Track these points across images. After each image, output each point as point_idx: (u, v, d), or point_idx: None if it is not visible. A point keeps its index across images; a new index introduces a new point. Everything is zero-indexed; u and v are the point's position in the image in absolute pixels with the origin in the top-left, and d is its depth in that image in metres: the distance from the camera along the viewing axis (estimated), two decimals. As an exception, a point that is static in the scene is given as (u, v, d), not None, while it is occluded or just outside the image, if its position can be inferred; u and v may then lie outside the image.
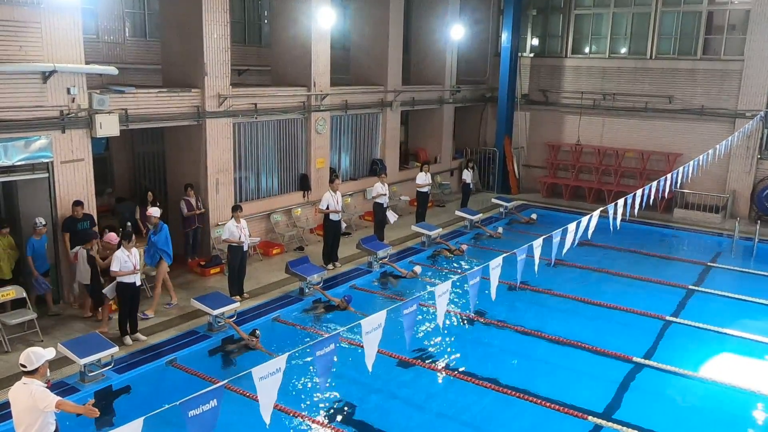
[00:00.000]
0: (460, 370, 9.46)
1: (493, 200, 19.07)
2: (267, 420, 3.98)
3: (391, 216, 15.24)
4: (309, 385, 8.81)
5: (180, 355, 9.51)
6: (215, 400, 3.38)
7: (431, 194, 17.71)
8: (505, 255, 6.33)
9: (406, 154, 20.71)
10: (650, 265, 14.65)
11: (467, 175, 18.76)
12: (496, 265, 5.83)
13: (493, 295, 6.12)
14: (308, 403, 8.33)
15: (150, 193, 12.77)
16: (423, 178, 16.72)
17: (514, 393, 8.72)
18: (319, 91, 15.53)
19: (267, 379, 3.82)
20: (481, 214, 17.58)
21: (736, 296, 12.89)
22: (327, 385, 4.69)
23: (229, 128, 13.55)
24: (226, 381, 3.65)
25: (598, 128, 20.91)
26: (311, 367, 8.68)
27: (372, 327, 4.58)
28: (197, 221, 13.15)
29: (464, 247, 14.96)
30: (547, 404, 8.49)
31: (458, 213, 17.49)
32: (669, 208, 19.05)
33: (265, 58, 17.20)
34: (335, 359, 4.36)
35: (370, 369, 4.88)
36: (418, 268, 13.33)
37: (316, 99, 15.55)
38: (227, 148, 13.55)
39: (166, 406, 3.65)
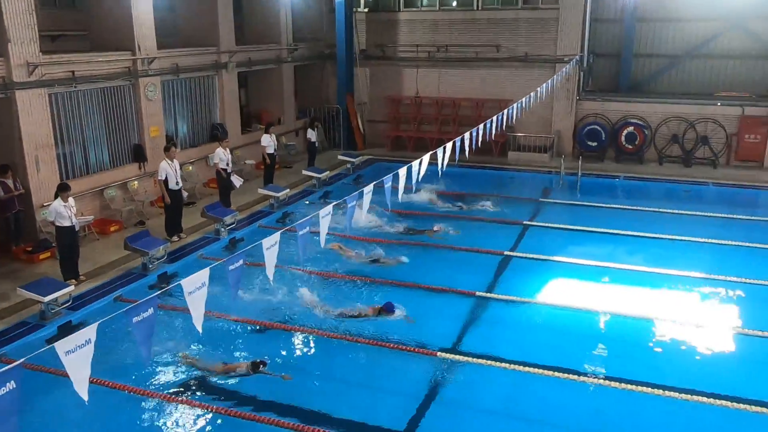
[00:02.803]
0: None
1: (340, 157, 19.20)
2: (84, 396, 3.77)
3: (236, 181, 14.86)
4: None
5: (9, 349, 8.76)
6: (13, 382, 3.12)
7: (277, 156, 17.47)
8: (334, 203, 6.42)
9: (248, 117, 20.17)
10: (490, 205, 15.56)
11: (312, 135, 18.69)
12: (325, 213, 5.89)
13: (322, 243, 6.22)
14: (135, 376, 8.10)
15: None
16: (267, 140, 16.43)
17: (354, 339, 9.00)
18: (145, 54, 14.59)
19: (75, 353, 3.60)
20: (328, 172, 17.65)
21: (565, 227, 14.10)
22: (152, 355, 4.53)
23: (45, 99, 12.38)
24: (23, 359, 3.37)
25: (434, 80, 21.59)
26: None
27: (195, 287, 4.46)
28: (17, 204, 12.01)
29: (437, 228, 13.63)
30: (398, 347, 8.85)
31: (305, 172, 17.44)
32: (504, 152, 20.29)
33: (83, 22, 15.81)
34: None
35: (199, 330, 4.77)
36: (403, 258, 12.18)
37: (143, 63, 14.62)
38: (45, 121, 12.39)
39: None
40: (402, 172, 7.46)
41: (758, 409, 7.40)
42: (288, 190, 15.67)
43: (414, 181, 8.12)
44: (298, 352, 9.08)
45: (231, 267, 4.90)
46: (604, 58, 21.79)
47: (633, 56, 21.32)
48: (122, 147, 14.65)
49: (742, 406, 7.45)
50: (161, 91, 15.37)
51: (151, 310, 4.03)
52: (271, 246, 5.09)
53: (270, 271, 5.13)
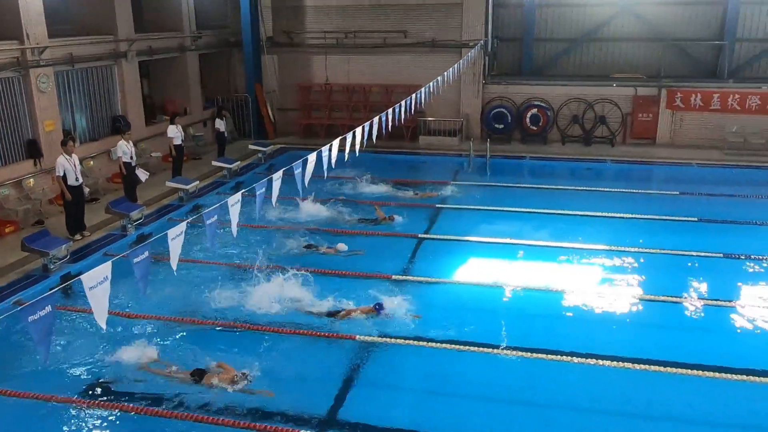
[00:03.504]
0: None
1: (251, 147, 18.85)
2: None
3: (142, 174, 14.31)
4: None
5: None
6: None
7: (185, 147, 16.95)
8: (243, 192, 6.30)
9: (152, 108, 19.42)
10: (405, 190, 15.76)
11: (220, 124, 18.25)
12: (234, 201, 5.77)
13: (234, 232, 6.09)
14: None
15: None
16: (174, 132, 15.91)
17: (287, 331, 8.95)
18: (35, 43, 13.73)
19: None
20: (239, 162, 17.31)
21: (476, 207, 14.50)
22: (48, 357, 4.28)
23: None
24: None
25: (344, 67, 21.53)
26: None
27: (96, 281, 4.26)
28: None
29: (395, 217, 13.31)
30: (313, 333, 8.85)
31: (215, 163, 17.03)
32: (415, 137, 20.56)
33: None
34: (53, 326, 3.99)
35: (103, 327, 4.58)
36: (342, 245, 11.91)
37: (33, 53, 13.75)
38: None
39: None
40: (311, 158, 7.42)
41: (669, 369, 7.91)
42: (198, 182, 15.26)
43: (326, 167, 8.10)
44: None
45: (136, 259, 4.71)
46: (507, 43, 22.42)
47: (534, 40, 22.05)
48: (14, 143, 13.75)
49: (646, 367, 7.94)
50: (55, 82, 14.51)
51: (48, 308, 3.83)
52: (176, 236, 4.95)
53: (174, 261, 4.98)
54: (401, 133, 20.50)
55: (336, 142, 8.20)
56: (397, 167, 18.22)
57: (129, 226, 12.68)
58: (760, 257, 11.42)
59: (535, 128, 20.02)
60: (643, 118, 19.62)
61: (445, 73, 14.28)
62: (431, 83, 13.01)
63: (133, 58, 17.20)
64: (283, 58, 21.96)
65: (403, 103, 11.08)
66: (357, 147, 8.93)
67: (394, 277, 10.69)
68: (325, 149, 7.80)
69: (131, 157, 13.89)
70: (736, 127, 18.85)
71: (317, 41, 21.52)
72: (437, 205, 14.61)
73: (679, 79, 20.05)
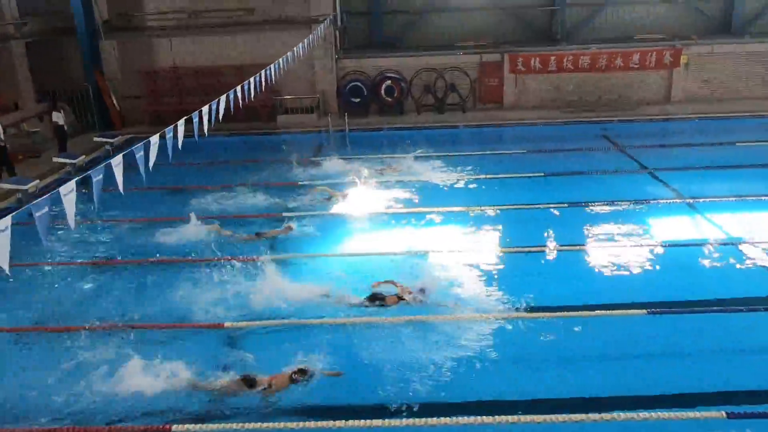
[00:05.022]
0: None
1: (96, 139, 17.67)
2: None
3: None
4: None
5: None
6: None
7: (20, 145, 15.56)
8: (78, 178, 5.88)
9: (-26, 105, 17.62)
10: (265, 170, 15.53)
11: (58, 117, 16.90)
12: (67, 191, 5.37)
13: (72, 226, 5.66)
14: None
15: None
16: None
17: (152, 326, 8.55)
18: None
19: None
20: (84, 156, 16.18)
21: (339, 181, 14.57)
22: None
23: None
24: None
25: (191, 49, 20.63)
26: None
27: None
28: None
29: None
30: (187, 325, 8.54)
31: (57, 159, 15.78)
32: (272, 116, 20.22)
33: None
34: None
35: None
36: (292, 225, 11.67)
37: None
38: None
39: None
40: (154, 140, 7.06)
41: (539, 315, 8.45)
42: (37, 181, 14.08)
43: (171, 150, 7.74)
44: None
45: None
46: (357, 17, 22.54)
47: (383, 13, 22.35)
48: None
49: (517, 314, 8.46)
50: None
51: None
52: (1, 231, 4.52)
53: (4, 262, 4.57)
54: (257, 115, 20.13)
55: (181, 124, 7.87)
56: (256, 148, 17.90)
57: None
58: (600, 203, 12.48)
59: (390, 99, 20.38)
60: (489, 84, 20.57)
61: (295, 49, 14.10)
62: (280, 60, 12.81)
63: (-55, 50, 15.45)
64: (123, 43, 20.63)
65: (252, 80, 10.80)
66: (206, 128, 8.61)
67: (261, 258, 10.51)
68: (169, 132, 7.45)
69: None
70: (572, 86, 20.34)
71: (159, 23, 20.44)
72: (300, 183, 14.54)
73: (519, 44, 21.19)
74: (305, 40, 15.11)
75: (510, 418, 6.52)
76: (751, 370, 7.35)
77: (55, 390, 7.14)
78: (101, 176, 5.93)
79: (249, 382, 7.00)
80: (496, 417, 6.51)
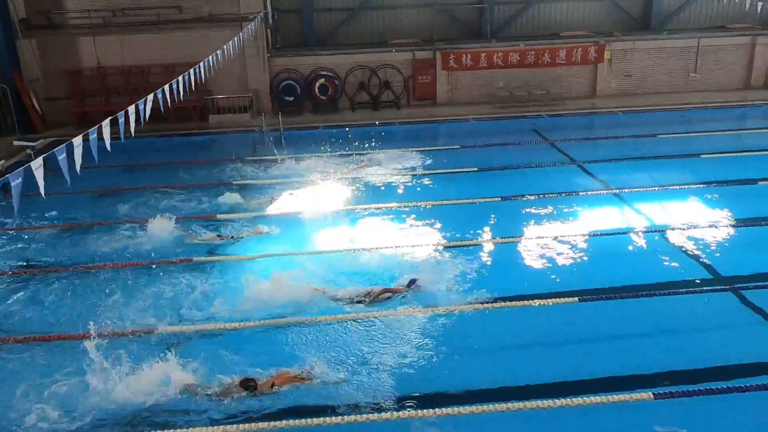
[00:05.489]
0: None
1: (16, 143, 16.86)
2: None
3: None
4: None
5: None
6: None
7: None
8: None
9: None
10: (196, 172, 15.20)
11: (-26, 120, 16.07)
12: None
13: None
14: None
15: None
16: None
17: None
18: None
19: None
20: (4, 161, 15.44)
21: (274, 181, 14.43)
22: None
23: None
24: None
25: (117, 47, 19.93)
26: None
27: None
28: None
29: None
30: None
31: (-26, 165, 15.01)
32: (204, 117, 19.81)
33: None
34: None
35: None
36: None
37: None
38: None
39: None
40: (77, 141, 6.80)
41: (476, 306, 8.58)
42: (-49, 188, 13.29)
43: (95, 153, 7.48)
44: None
45: None
46: (289, 14, 22.27)
47: (315, 11, 22.18)
48: None
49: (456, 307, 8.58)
50: None
51: None
52: None
53: None
54: (189, 115, 19.69)
55: (106, 124, 7.60)
56: (188, 149, 17.50)
57: None
58: (532, 195, 12.82)
59: (324, 98, 20.29)
60: (423, 81, 20.76)
61: (225, 46, 13.85)
62: (209, 58, 12.56)
63: None
64: (44, 42, 19.74)
65: (180, 78, 10.54)
66: (132, 128, 8.34)
67: (195, 258, 10.31)
68: (93, 134, 7.19)
69: None
70: (502, 82, 20.80)
71: (82, 21, 19.66)
72: (234, 183, 14.31)
73: (450, 41, 21.47)
74: (235, 38, 14.85)
75: (447, 411, 6.63)
76: (676, 351, 7.70)
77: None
78: (20, 180, 5.66)
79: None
80: (422, 411, 6.61)
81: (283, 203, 12.95)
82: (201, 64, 11.85)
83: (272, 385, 6.96)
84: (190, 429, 6.41)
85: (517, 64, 20.41)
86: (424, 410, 6.59)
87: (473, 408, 6.63)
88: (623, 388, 6.90)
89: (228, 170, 15.29)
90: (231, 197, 13.14)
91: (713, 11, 22.93)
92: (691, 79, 21.52)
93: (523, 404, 6.64)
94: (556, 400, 6.66)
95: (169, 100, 9.99)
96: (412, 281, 9.16)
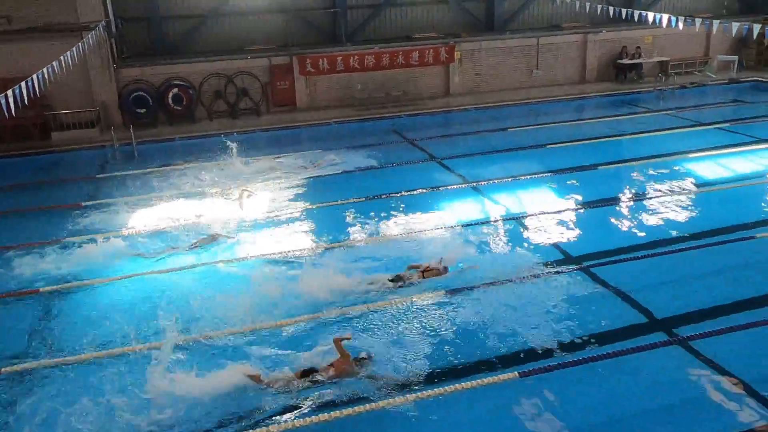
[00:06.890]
0: None
1: None
2: None
3: None
4: None
5: None
6: None
7: None
8: None
9: None
10: (38, 194, 14.04)
11: None
12: None
13: None
14: None
15: None
16: None
17: None
18: None
19: None
20: None
21: (129, 198, 13.59)
22: None
23: None
24: None
25: (-65, 63, 17.96)
26: None
27: None
28: None
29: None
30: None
31: None
32: (46, 134, 18.32)
33: None
34: None
35: None
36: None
37: None
38: None
39: None
40: None
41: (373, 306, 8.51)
42: None
43: None
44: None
45: None
46: (135, 23, 21.15)
47: (162, 18, 21.23)
48: None
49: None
50: None
51: None
52: None
53: None
54: (29, 133, 18.13)
55: None
56: (26, 171, 16.13)
57: None
58: (396, 193, 13.11)
59: (179, 108, 19.51)
60: (281, 86, 20.57)
61: (62, 57, 12.88)
62: (44, 70, 11.62)
63: None
64: None
65: (10, 92, 9.64)
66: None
67: (41, 289, 9.47)
68: None
69: None
70: (360, 85, 21.09)
71: None
72: (83, 203, 13.32)
73: (306, 46, 21.44)
74: (74, 48, 13.86)
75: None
76: (537, 331, 8.13)
77: None
78: None
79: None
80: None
81: (139, 220, 12.24)
82: (34, 76, 10.92)
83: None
84: None
85: (374, 66, 20.78)
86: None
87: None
88: (492, 371, 7.25)
89: (78, 190, 14.22)
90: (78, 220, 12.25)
91: (548, 12, 24.72)
92: (534, 76, 23.03)
93: (404, 398, 6.72)
94: (430, 390, 6.78)
95: (-2, 118, 9.11)
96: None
